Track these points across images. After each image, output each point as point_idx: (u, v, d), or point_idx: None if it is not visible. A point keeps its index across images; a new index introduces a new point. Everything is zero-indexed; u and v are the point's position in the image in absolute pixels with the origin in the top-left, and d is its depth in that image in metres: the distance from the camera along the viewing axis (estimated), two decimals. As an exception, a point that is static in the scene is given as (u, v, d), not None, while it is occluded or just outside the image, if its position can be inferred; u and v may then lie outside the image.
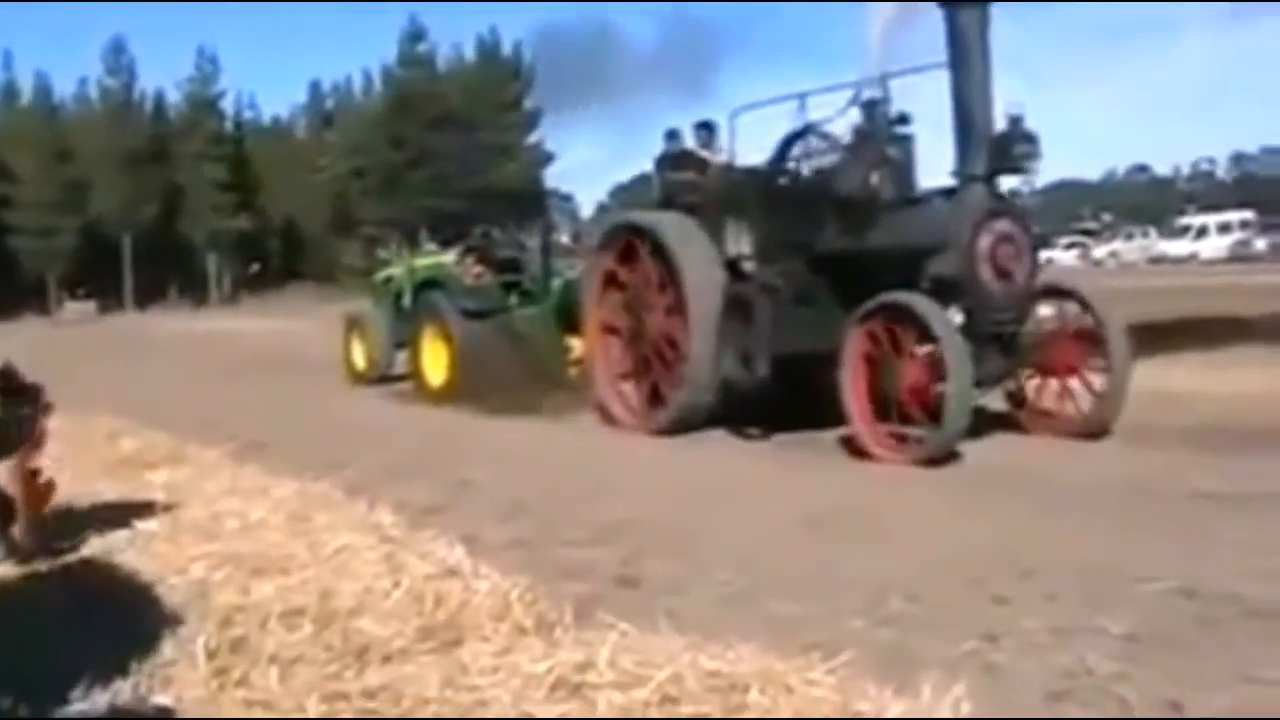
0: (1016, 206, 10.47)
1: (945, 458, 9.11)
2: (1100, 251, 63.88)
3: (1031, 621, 4.82)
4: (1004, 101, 10.10)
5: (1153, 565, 5.57)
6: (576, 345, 14.92)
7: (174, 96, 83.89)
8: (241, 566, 5.58)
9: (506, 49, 77.57)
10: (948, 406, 9.03)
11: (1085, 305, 10.25)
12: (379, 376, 17.77)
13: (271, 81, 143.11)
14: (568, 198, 47.16)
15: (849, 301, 9.95)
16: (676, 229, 11.60)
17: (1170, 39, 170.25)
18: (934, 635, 4.70)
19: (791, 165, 11.65)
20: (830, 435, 10.19)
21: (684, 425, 11.22)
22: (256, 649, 4.46)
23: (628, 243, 12.11)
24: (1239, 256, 51.83)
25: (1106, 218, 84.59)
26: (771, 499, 7.77)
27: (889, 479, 8.67)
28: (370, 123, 77.76)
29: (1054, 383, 10.25)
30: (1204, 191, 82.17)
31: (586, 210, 61.35)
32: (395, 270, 18.93)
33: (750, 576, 5.67)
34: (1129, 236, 68.53)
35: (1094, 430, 9.94)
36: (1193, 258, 56.08)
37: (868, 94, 10.90)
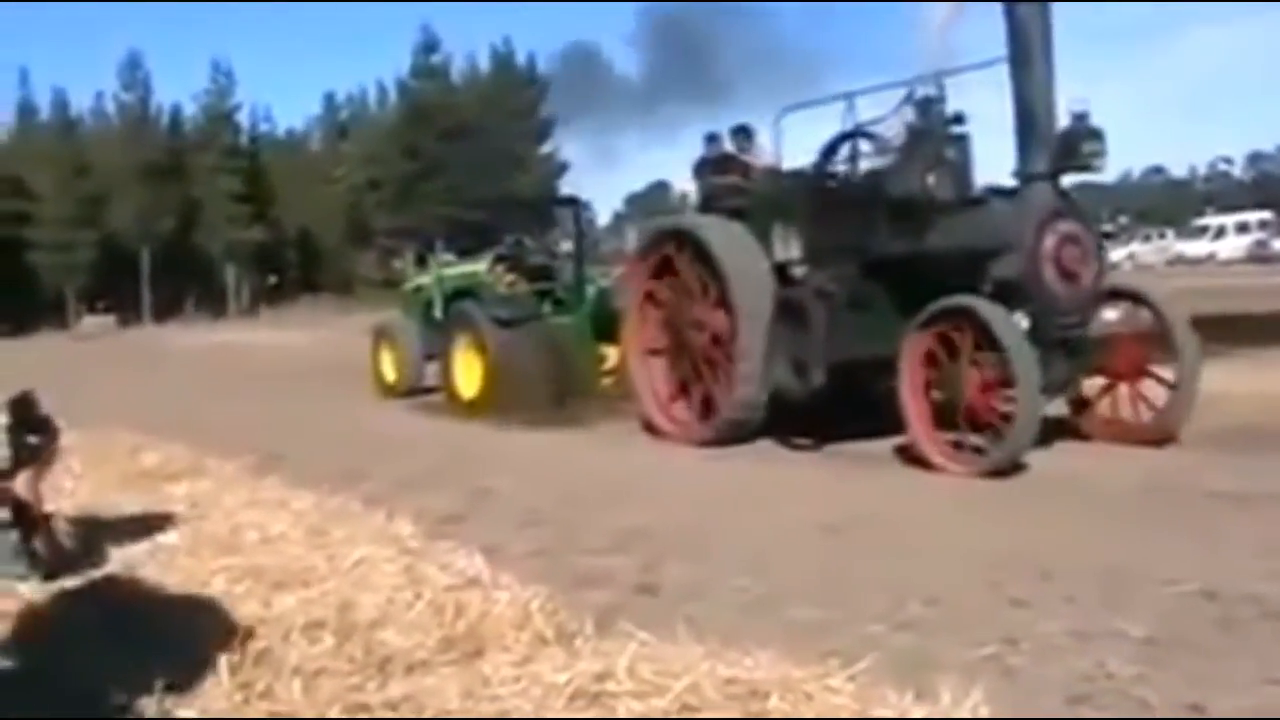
0: (1080, 206, 10.10)
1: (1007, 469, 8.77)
2: (1118, 254, 63.81)
3: (1051, 624, 4.83)
4: (1066, 97, 9.63)
5: (1173, 567, 5.58)
6: (612, 354, 14.80)
7: (190, 110, 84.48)
8: (262, 579, 5.60)
9: (520, 59, 77.76)
10: (1016, 416, 8.64)
11: (1151, 307, 9.93)
12: (409, 389, 17.28)
13: (286, 94, 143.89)
14: (586, 205, 47.27)
15: (907, 306, 9.62)
16: (721, 233, 11.25)
17: (1182, 38, 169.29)
18: (953, 639, 4.71)
19: (840, 168, 11.31)
20: (884, 445, 9.95)
21: (734, 435, 10.88)
22: (279, 662, 4.47)
23: (664, 259, 11.78)
24: (1257, 257, 51.75)
25: (1124, 220, 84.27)
26: (793, 504, 7.81)
27: (920, 486, 8.68)
28: (385, 133, 78.02)
29: (1118, 388, 9.94)
30: (1221, 192, 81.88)
31: (602, 219, 61.44)
32: (425, 280, 18.34)
33: (769, 582, 5.70)
34: (1146, 238, 68.35)
35: (1160, 436, 9.63)
36: (1210, 258, 55.96)
37: (922, 93, 10.48)
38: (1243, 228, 59.43)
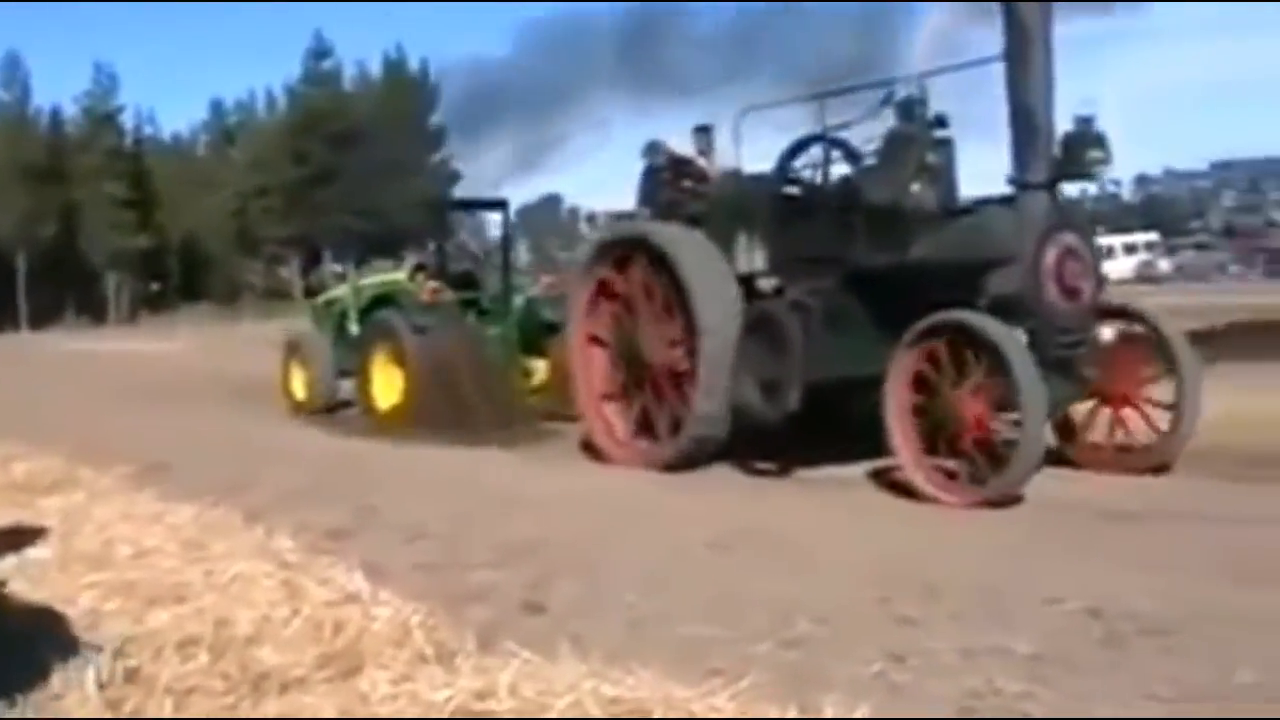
0: (1079, 217, 9.78)
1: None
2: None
3: (938, 642, 4.84)
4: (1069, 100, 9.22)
5: (1061, 585, 5.63)
6: (540, 367, 14.61)
7: (71, 111, 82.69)
8: (135, 595, 5.44)
9: (413, 65, 77.24)
10: (1020, 442, 8.11)
11: (1146, 323, 9.53)
12: (322, 407, 16.37)
13: (173, 98, 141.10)
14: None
15: (890, 323, 9.12)
16: (684, 241, 10.54)
17: (1068, 59, 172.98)
18: (840, 657, 4.69)
19: (807, 173, 10.79)
20: (855, 470, 9.61)
21: (689, 461, 10.26)
22: (151, 679, 4.34)
23: (617, 267, 11.08)
24: (1145, 277, 52.98)
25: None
26: (686, 521, 7.78)
27: (813, 502, 8.71)
28: (274, 140, 77.06)
29: (1108, 411, 9.46)
30: (1110, 213, 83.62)
31: (493, 230, 60.86)
32: (338, 292, 17.54)
33: (657, 600, 5.65)
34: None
35: (1157, 463, 9.25)
36: (1100, 278, 57.29)
37: (903, 94, 10.05)
38: (1130, 249, 60.88)
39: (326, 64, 76.81)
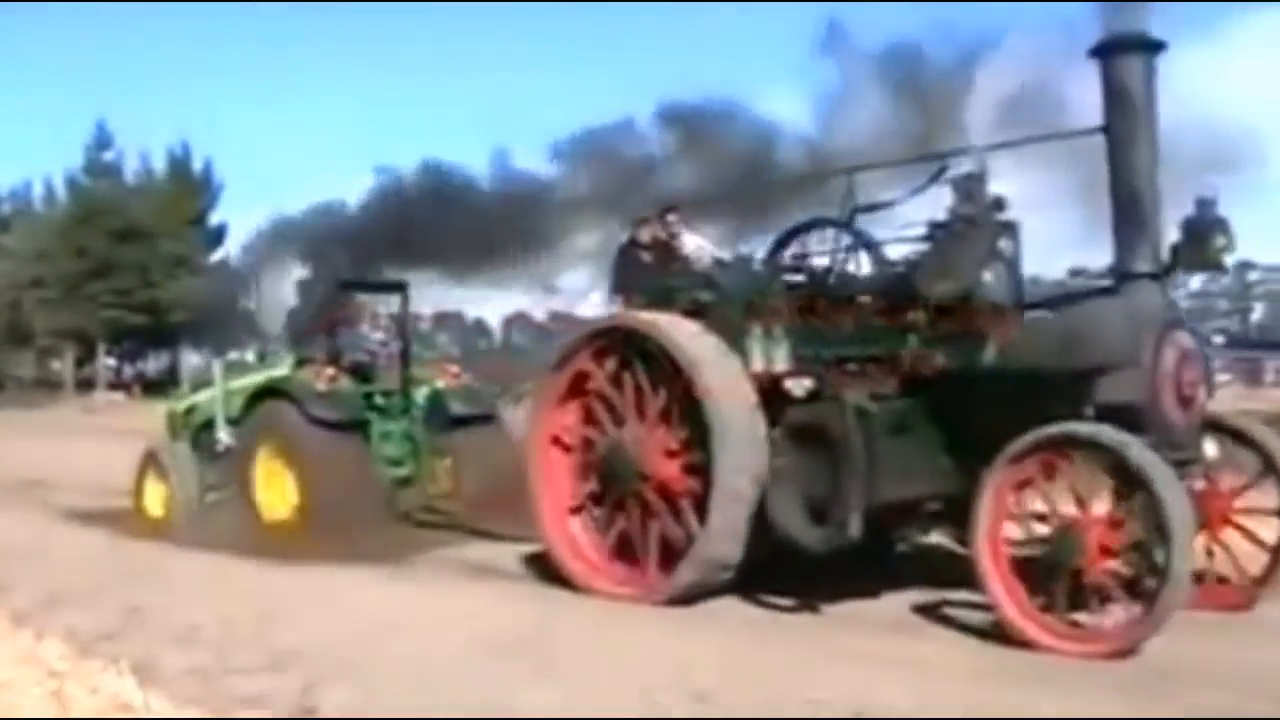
0: (1183, 314, 8.62)
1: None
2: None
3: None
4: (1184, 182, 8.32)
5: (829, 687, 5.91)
6: (444, 468, 13.51)
7: None
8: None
9: (197, 164, 75.86)
10: (1169, 576, 6.80)
11: (1252, 442, 8.41)
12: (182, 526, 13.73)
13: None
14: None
15: (963, 434, 8.03)
16: (691, 336, 8.81)
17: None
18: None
19: (815, 260, 9.63)
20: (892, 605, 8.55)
21: (694, 597, 8.61)
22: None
23: (604, 349, 9.39)
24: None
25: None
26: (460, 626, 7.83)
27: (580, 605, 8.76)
28: (52, 231, 74.67)
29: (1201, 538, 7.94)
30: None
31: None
32: (199, 398, 15.32)
33: (432, 703, 5.73)
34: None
35: (1244, 602, 8.17)
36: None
37: (959, 170, 8.90)
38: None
39: (107, 155, 74.91)
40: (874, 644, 7.34)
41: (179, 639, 7.13)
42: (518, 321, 60.39)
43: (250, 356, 17.59)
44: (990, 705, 5.72)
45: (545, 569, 9.67)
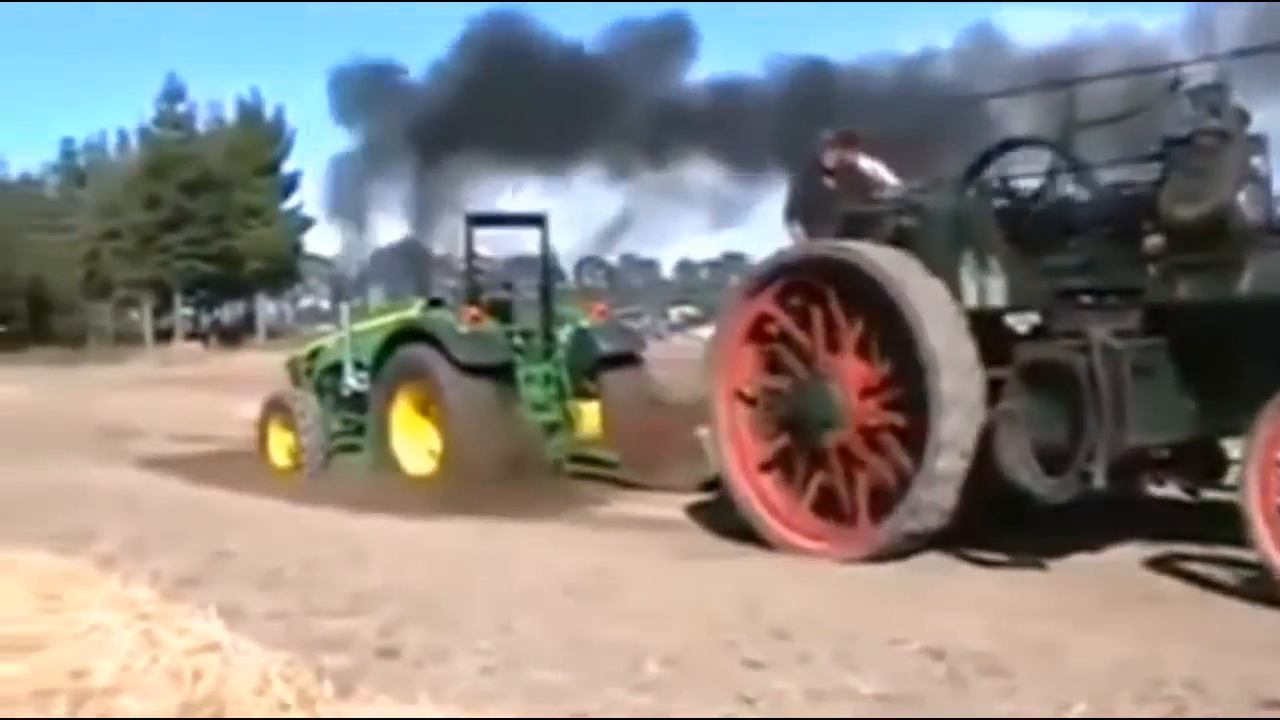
0: None
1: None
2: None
3: (785, 683, 5.04)
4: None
5: (904, 628, 5.88)
6: (591, 412, 12.78)
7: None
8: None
9: (268, 112, 76.27)
10: None
11: None
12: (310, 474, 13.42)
13: (21, 138, 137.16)
14: (329, 262, 45.82)
15: (1216, 375, 7.43)
16: (901, 267, 8.13)
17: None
18: (690, 699, 4.87)
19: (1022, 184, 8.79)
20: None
21: (907, 550, 8.08)
22: (5, 730, 4.36)
23: (790, 286, 8.73)
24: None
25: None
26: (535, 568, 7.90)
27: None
28: (125, 183, 75.47)
29: None
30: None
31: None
32: (325, 342, 14.80)
33: (511, 645, 5.78)
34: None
35: None
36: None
37: (1196, 81, 7.88)
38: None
39: (180, 106, 75.47)
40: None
41: (262, 584, 7.25)
42: (588, 264, 59.58)
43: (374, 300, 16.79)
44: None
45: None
